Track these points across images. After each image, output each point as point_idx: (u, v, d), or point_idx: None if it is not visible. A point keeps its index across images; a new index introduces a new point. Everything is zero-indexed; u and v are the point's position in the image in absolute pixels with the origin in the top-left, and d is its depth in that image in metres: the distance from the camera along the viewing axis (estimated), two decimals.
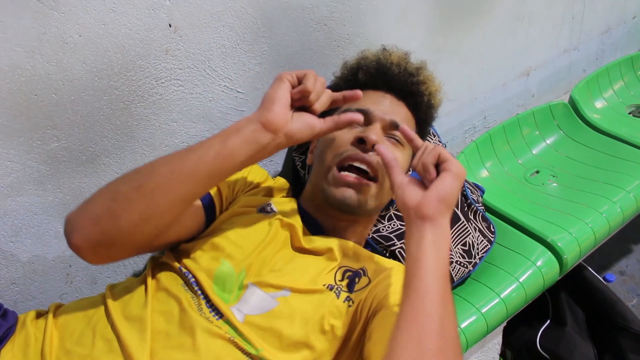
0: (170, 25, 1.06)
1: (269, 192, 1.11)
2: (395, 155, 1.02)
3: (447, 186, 0.82)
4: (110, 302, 0.90)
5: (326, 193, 1.01)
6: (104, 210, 0.83)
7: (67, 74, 0.98)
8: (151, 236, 0.86)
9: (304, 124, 0.90)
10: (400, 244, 1.16)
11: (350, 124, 0.94)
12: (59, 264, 1.11)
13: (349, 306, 0.91)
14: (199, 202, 0.99)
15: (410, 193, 0.84)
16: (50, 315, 0.89)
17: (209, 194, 1.01)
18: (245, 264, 0.93)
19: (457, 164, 0.84)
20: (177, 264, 0.94)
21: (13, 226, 1.03)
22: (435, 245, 0.80)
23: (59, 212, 1.07)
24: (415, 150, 0.92)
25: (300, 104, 0.90)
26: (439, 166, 0.85)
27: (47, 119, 0.99)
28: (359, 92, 0.94)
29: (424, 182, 0.86)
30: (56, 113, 0.99)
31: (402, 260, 1.15)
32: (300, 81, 0.90)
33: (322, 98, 0.92)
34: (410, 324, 0.74)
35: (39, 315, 0.92)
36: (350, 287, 0.93)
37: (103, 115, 1.05)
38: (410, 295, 0.77)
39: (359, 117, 0.93)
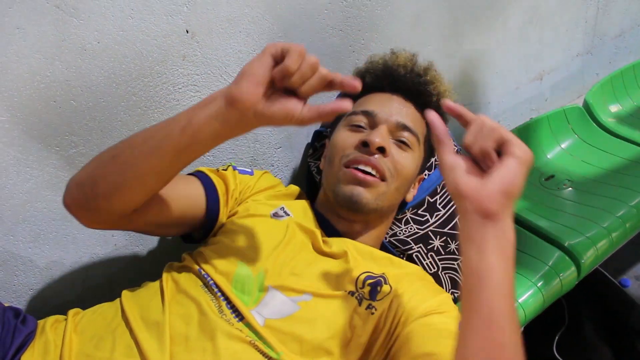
0: (187, 32, 1.06)
1: (281, 198, 1.11)
2: (404, 159, 1.03)
3: (511, 175, 0.68)
4: (127, 306, 0.90)
5: (336, 192, 1.01)
6: (87, 177, 0.85)
7: (85, 80, 0.98)
8: (130, 206, 0.86)
9: (280, 109, 0.75)
10: (417, 248, 1.16)
11: (334, 114, 0.76)
12: (77, 270, 1.12)
13: (372, 314, 0.90)
14: (199, 185, 1.00)
15: (465, 179, 0.70)
16: (70, 321, 0.89)
17: (211, 179, 1.02)
18: (263, 266, 0.92)
19: (522, 146, 0.69)
20: (196, 266, 0.94)
21: (31, 232, 1.04)
22: (500, 253, 0.67)
23: None
24: (464, 125, 0.76)
25: (283, 85, 0.75)
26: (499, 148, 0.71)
27: (65, 125, 0.99)
28: (357, 83, 0.77)
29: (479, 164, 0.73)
30: (74, 119, 1.00)
31: (419, 264, 1.15)
32: (284, 57, 0.74)
33: (311, 81, 0.75)
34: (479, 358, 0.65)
35: (58, 321, 0.92)
36: (372, 295, 0.92)
37: (121, 122, 1.05)
38: (474, 322, 0.67)
39: (347, 106, 0.75)
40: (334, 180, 1.02)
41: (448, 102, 0.77)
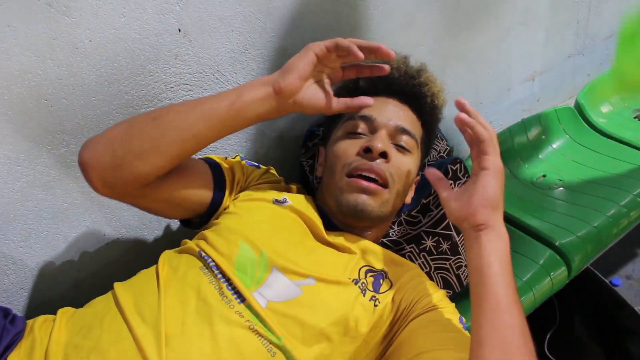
0: (179, 30, 1.06)
1: (283, 190, 1.11)
2: (405, 164, 1.04)
3: (488, 188, 0.84)
4: (120, 294, 0.89)
5: (339, 201, 1.01)
6: (119, 133, 0.90)
7: (77, 79, 0.98)
8: (155, 170, 0.90)
9: (315, 99, 0.94)
10: (410, 248, 1.16)
11: (360, 108, 1.00)
12: (68, 269, 1.11)
13: (375, 306, 0.91)
14: (208, 170, 1.02)
15: (457, 205, 0.87)
16: (59, 319, 0.88)
17: (219, 166, 1.04)
18: (266, 248, 0.92)
19: (493, 160, 0.85)
20: (196, 248, 0.93)
21: (22, 231, 1.03)
22: (496, 252, 0.82)
23: (68, 217, 1.07)
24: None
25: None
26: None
27: (57, 123, 0.99)
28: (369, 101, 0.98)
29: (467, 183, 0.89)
30: (66, 118, 1.00)
31: None
32: (330, 50, 0.91)
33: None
34: (494, 340, 0.74)
35: (48, 320, 0.91)
36: (375, 287, 0.94)
37: (113, 120, 1.05)
38: (484, 308, 0.78)
39: (370, 101, 0.97)
40: (337, 190, 1.02)
41: (460, 100, 0.89)
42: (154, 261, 0.97)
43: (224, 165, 1.05)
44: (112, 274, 1.17)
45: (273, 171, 1.15)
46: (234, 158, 1.10)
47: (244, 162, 1.10)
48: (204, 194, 1.01)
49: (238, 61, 1.17)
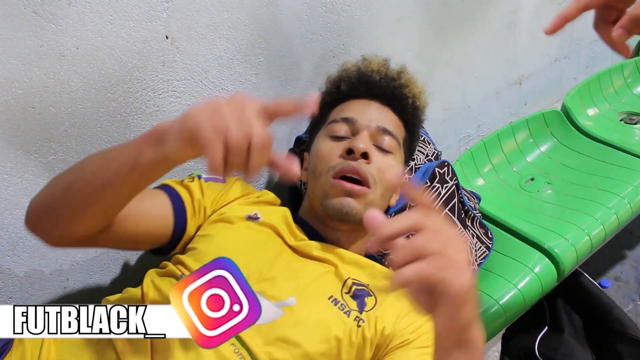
0: (167, 37, 1.06)
1: (255, 204, 1.09)
2: (387, 164, 1.03)
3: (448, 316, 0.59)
4: None
5: (325, 205, 1.01)
6: (46, 203, 0.83)
7: (64, 87, 0.98)
8: (92, 229, 0.84)
9: None
10: None
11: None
12: (56, 277, 1.11)
13: (359, 326, 0.89)
14: (165, 200, 0.97)
15: None
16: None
17: (177, 192, 1.00)
18: (244, 269, 0.91)
19: (456, 283, 0.56)
20: (178, 272, 0.93)
21: (10, 240, 1.03)
22: None
23: None
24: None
25: None
26: None
27: (44, 131, 0.99)
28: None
29: None
30: (53, 125, 0.99)
31: None
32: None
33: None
34: None
35: None
36: (360, 307, 0.92)
37: (100, 128, 1.05)
38: None
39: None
40: (322, 193, 1.02)
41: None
42: (141, 270, 0.97)
43: (181, 190, 1.01)
44: (101, 282, 1.16)
45: (240, 182, 1.12)
46: (192, 179, 1.04)
47: (202, 180, 1.05)
48: (166, 225, 0.97)
49: (226, 67, 1.17)
